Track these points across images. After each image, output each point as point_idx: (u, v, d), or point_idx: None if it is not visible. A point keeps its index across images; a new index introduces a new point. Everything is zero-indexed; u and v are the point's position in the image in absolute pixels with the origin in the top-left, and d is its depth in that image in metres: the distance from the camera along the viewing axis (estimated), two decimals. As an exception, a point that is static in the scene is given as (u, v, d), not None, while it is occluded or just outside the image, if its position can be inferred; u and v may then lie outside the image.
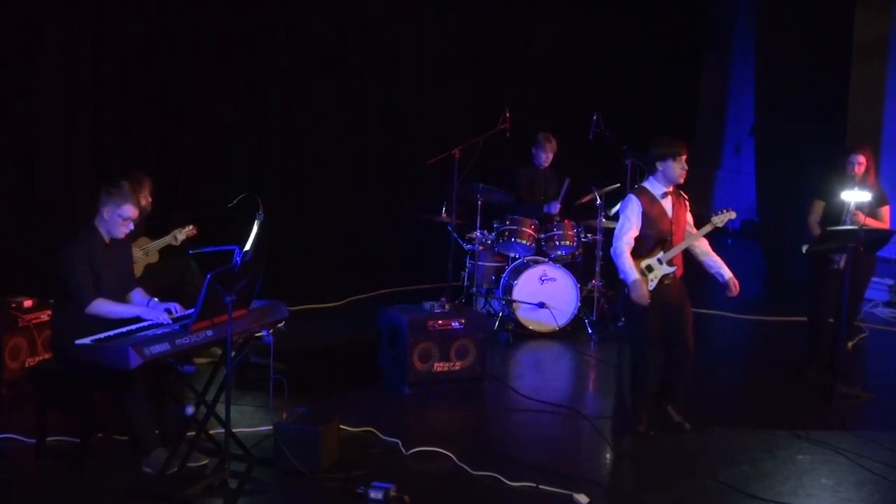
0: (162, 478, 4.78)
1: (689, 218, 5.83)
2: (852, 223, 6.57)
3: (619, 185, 8.11)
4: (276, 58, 9.70)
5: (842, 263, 6.65)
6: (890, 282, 9.71)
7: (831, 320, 6.90)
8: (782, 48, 10.36)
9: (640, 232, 5.61)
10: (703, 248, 5.87)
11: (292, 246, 9.58)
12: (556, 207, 8.45)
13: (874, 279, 9.57)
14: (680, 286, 5.76)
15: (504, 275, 8.13)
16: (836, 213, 6.82)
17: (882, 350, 8.21)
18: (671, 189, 5.66)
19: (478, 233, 8.23)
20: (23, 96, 8.10)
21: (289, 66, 9.81)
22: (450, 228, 7.99)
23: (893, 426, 6.04)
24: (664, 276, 5.63)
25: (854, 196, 6.67)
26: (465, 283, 8.45)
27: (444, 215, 8.21)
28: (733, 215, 5.70)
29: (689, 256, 5.84)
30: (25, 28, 8.01)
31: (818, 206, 7.03)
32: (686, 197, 5.79)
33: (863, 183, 6.73)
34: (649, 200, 5.61)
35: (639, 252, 5.64)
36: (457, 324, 6.54)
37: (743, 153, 13.63)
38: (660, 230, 5.61)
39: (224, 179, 9.28)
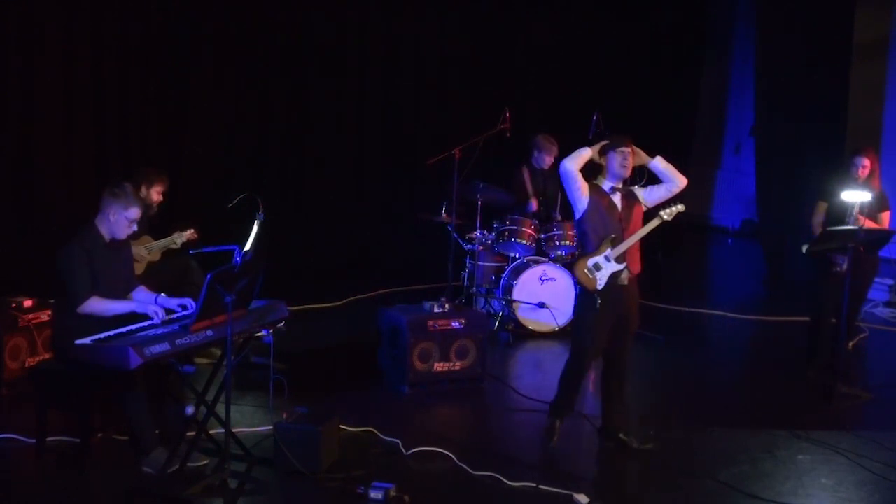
0: (162, 478, 4.77)
1: (642, 215, 5.64)
2: (854, 225, 6.58)
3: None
4: (276, 58, 9.70)
5: (844, 266, 6.65)
6: (890, 282, 9.71)
7: (833, 321, 6.91)
8: (782, 48, 10.36)
9: (589, 226, 5.48)
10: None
11: (292, 246, 9.57)
12: (555, 213, 8.45)
13: (875, 279, 9.61)
14: (634, 292, 5.56)
15: (504, 275, 8.13)
16: (838, 214, 6.82)
17: (882, 350, 8.22)
18: (620, 185, 5.53)
19: (478, 233, 8.23)
20: (23, 96, 8.10)
21: (289, 66, 9.80)
22: (450, 228, 7.99)
23: (893, 426, 6.04)
24: (614, 274, 5.43)
25: (855, 196, 6.67)
26: (465, 283, 8.45)
27: (444, 215, 8.21)
28: (681, 208, 5.55)
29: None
30: (25, 28, 8.01)
31: (821, 207, 7.02)
32: (637, 197, 5.60)
33: (866, 185, 6.73)
34: (599, 193, 5.50)
35: (586, 249, 5.51)
36: (457, 324, 6.54)
37: (743, 153, 13.63)
38: (609, 224, 5.46)
39: (224, 179, 9.28)
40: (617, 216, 5.48)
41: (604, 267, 5.42)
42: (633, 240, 5.47)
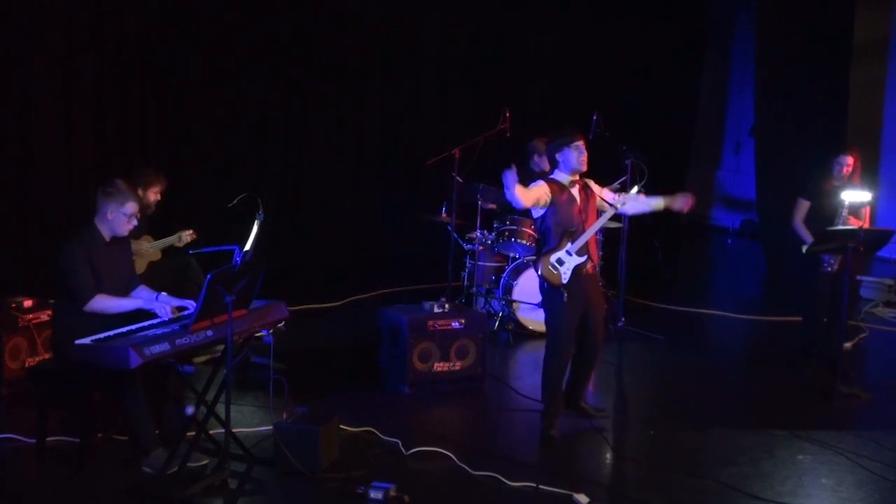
0: (162, 478, 4.77)
1: (599, 199, 5.79)
2: (844, 224, 6.62)
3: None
4: (277, 58, 9.70)
5: (835, 266, 6.70)
6: (890, 282, 9.72)
7: (825, 320, 6.94)
8: (782, 48, 10.36)
9: (551, 221, 5.57)
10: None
11: (292, 246, 9.58)
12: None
13: (874, 279, 9.63)
14: (596, 279, 5.76)
15: (504, 275, 8.13)
16: (823, 213, 6.86)
17: (882, 350, 8.21)
18: (577, 178, 5.63)
19: (478, 233, 8.23)
20: (23, 96, 8.10)
21: (289, 66, 9.81)
22: (450, 228, 7.99)
23: (893, 426, 6.04)
24: (578, 267, 5.54)
25: (855, 196, 6.70)
26: (465, 283, 8.45)
27: (444, 215, 8.21)
28: (633, 193, 5.75)
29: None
30: (26, 28, 8.01)
31: (803, 206, 7.12)
32: (591, 188, 5.75)
33: (849, 183, 6.82)
34: (558, 188, 5.57)
35: (548, 245, 5.60)
36: (457, 324, 6.54)
37: (743, 153, 13.64)
38: (569, 219, 5.56)
39: (224, 179, 9.29)
40: (576, 209, 5.61)
41: (566, 261, 5.54)
42: (592, 231, 5.61)
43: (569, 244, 5.55)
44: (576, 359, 5.83)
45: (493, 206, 8.29)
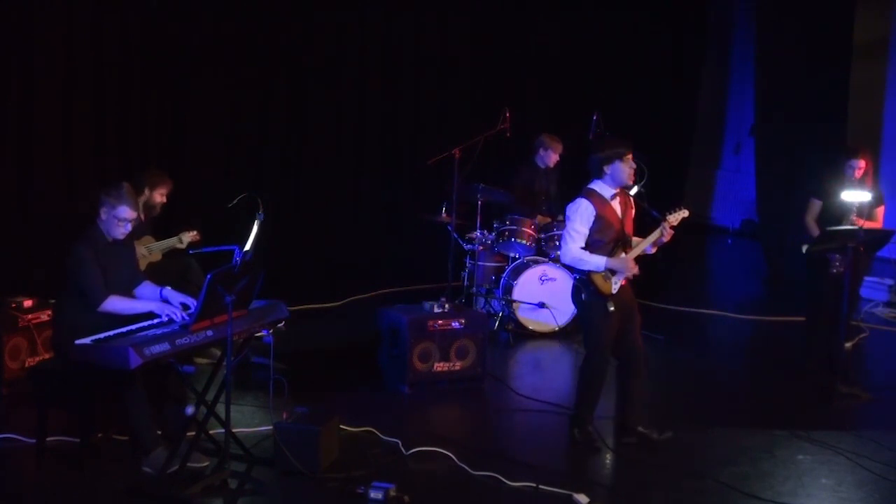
0: (162, 478, 4.77)
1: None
2: (851, 226, 6.60)
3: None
4: (277, 57, 9.69)
5: (842, 267, 6.67)
6: (890, 282, 9.72)
7: (828, 320, 6.93)
8: (782, 48, 10.36)
9: (595, 237, 5.45)
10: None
11: (292, 246, 9.57)
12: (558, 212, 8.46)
13: (875, 279, 9.63)
14: (630, 289, 5.62)
15: (504, 275, 8.13)
16: (833, 214, 6.83)
17: (882, 350, 8.21)
18: (618, 190, 5.52)
19: (478, 233, 8.23)
20: (23, 97, 8.09)
21: (289, 66, 9.80)
22: (450, 228, 7.99)
23: (893, 426, 6.05)
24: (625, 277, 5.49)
25: (856, 196, 6.69)
26: (465, 283, 8.45)
27: (444, 215, 8.21)
28: (686, 213, 5.56)
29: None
30: (26, 28, 8.00)
31: (815, 206, 7.05)
32: (631, 197, 5.67)
33: (861, 186, 6.76)
34: (601, 202, 5.46)
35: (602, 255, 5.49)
36: (457, 324, 6.54)
37: (743, 153, 13.63)
38: (614, 231, 5.47)
39: (224, 179, 9.28)
40: (618, 222, 5.50)
41: (624, 272, 5.45)
42: (645, 244, 5.52)
43: (623, 254, 5.45)
44: (621, 375, 5.70)
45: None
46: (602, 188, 5.49)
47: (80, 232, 5.13)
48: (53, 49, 8.18)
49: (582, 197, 5.48)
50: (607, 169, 5.46)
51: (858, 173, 6.82)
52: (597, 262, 5.40)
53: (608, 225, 5.45)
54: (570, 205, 5.52)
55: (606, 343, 5.52)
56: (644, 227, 5.73)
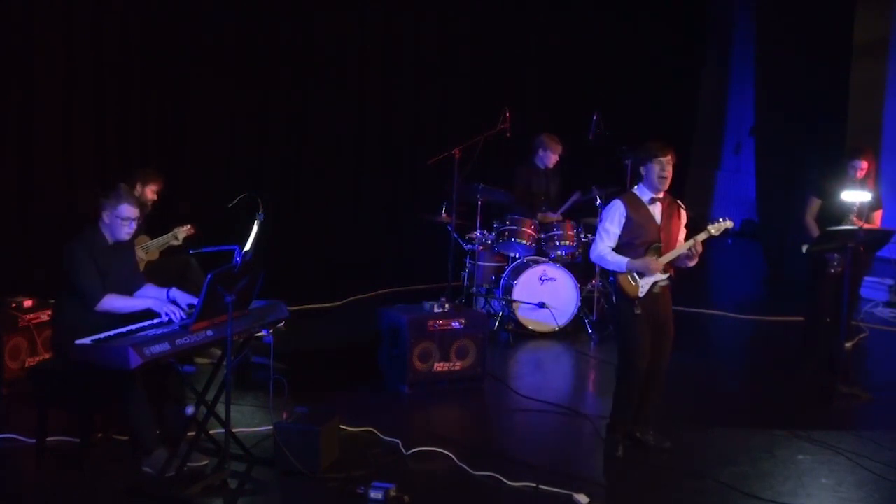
0: (162, 478, 4.77)
1: (683, 229, 5.57)
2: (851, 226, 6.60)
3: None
4: (277, 58, 9.69)
5: (840, 267, 6.68)
6: (890, 282, 9.72)
7: (828, 320, 6.93)
8: (782, 48, 10.37)
9: (627, 239, 5.38)
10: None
11: (292, 246, 9.57)
12: (553, 216, 8.45)
13: (875, 279, 9.63)
14: (668, 298, 5.50)
15: (504, 275, 8.13)
16: (833, 213, 6.83)
17: (882, 350, 8.22)
18: (661, 195, 5.41)
19: (478, 233, 8.24)
20: (23, 97, 8.09)
21: (289, 66, 9.80)
22: (450, 228, 7.99)
23: (893, 426, 6.04)
24: (655, 283, 5.38)
25: (856, 196, 6.68)
26: (465, 283, 8.45)
27: (444, 215, 8.21)
28: (731, 224, 5.46)
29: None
30: (26, 28, 8.00)
31: (815, 204, 7.05)
32: (682, 205, 5.55)
33: (863, 186, 6.75)
34: (635, 205, 5.39)
35: (628, 256, 5.39)
36: (457, 324, 6.54)
37: (743, 153, 13.64)
38: (647, 236, 5.37)
39: (224, 179, 9.28)
40: (654, 227, 5.38)
41: (647, 275, 5.35)
42: (678, 252, 5.38)
43: (654, 258, 5.35)
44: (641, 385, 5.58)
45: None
46: (641, 191, 5.43)
47: (77, 232, 5.13)
48: (53, 49, 8.18)
49: (617, 197, 5.47)
50: (643, 171, 5.40)
51: (860, 174, 6.81)
52: (618, 262, 5.36)
53: (639, 227, 5.35)
54: (608, 205, 5.52)
55: (637, 347, 5.37)
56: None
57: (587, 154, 9.51)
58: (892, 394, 6.86)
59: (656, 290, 5.38)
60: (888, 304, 9.57)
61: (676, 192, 6.05)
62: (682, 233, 5.54)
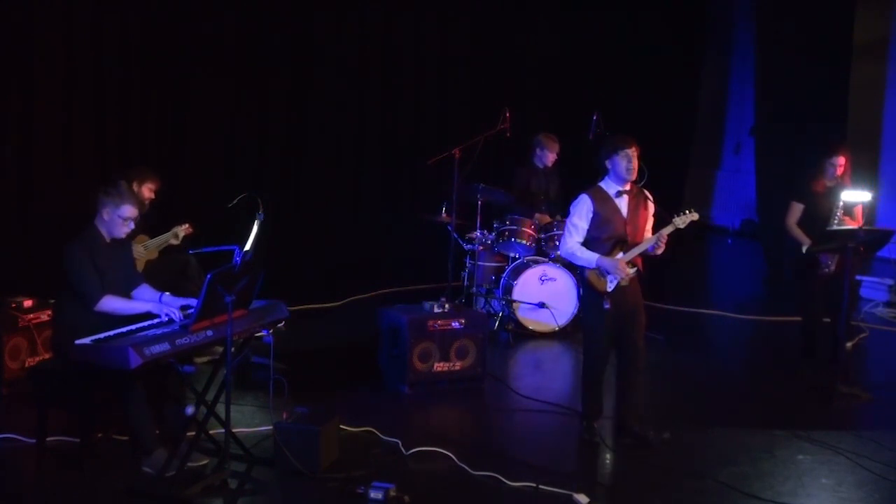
0: (162, 478, 4.77)
1: (651, 219, 5.64)
2: (838, 224, 6.63)
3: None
4: (277, 57, 9.70)
5: (832, 267, 6.72)
6: (890, 282, 9.71)
7: (827, 320, 6.95)
8: (782, 48, 10.36)
9: (593, 234, 5.45)
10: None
11: (292, 246, 9.57)
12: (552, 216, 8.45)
13: (875, 279, 9.62)
14: (636, 288, 5.58)
15: (504, 275, 8.13)
16: (820, 214, 6.85)
17: (882, 350, 8.21)
18: (628, 188, 5.48)
19: (478, 233, 8.23)
20: (23, 97, 8.09)
21: (289, 66, 9.80)
22: (450, 228, 7.99)
23: (893, 426, 6.04)
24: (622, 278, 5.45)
25: (856, 196, 6.71)
26: (465, 283, 8.45)
27: (444, 215, 8.21)
28: (696, 216, 5.51)
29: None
30: (26, 28, 8.01)
31: (796, 209, 7.11)
32: (650, 197, 5.61)
33: (842, 184, 6.83)
34: (602, 199, 5.46)
35: (596, 251, 5.45)
36: (457, 324, 6.54)
37: (743, 153, 13.64)
38: (614, 230, 5.44)
39: (224, 179, 9.28)
40: (621, 220, 5.47)
41: (615, 275, 5.42)
42: (645, 245, 5.46)
43: (620, 254, 5.43)
44: (619, 374, 5.73)
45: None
46: (607, 185, 5.51)
47: (77, 232, 5.13)
48: (53, 49, 8.18)
49: (583, 192, 5.52)
50: (608, 164, 5.48)
51: (839, 171, 6.89)
52: (588, 258, 5.44)
53: (607, 222, 5.45)
54: (574, 200, 5.57)
55: (601, 340, 5.54)
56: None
57: (587, 154, 9.50)
58: (892, 394, 6.86)
59: (624, 282, 5.47)
60: (888, 304, 9.56)
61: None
62: (650, 222, 5.62)
